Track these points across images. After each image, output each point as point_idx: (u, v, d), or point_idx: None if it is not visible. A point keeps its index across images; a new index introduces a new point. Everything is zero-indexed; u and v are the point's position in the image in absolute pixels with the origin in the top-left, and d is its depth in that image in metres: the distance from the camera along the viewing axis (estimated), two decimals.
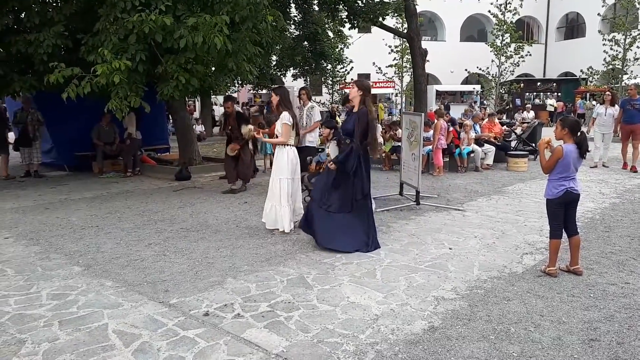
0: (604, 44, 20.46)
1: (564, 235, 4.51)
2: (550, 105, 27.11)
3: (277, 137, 5.96)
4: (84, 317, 3.72)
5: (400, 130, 11.67)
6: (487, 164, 11.08)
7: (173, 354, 3.17)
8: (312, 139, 8.48)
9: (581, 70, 24.20)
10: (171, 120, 13.48)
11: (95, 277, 4.57)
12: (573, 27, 35.52)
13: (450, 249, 5.33)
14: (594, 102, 23.27)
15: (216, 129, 21.67)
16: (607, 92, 11.99)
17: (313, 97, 19.33)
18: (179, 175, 9.96)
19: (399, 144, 11.12)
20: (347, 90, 25.41)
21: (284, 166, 5.87)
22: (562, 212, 4.45)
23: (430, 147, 10.77)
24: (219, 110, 23.74)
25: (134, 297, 4.08)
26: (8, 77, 8.81)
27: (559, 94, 29.51)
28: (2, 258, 5.16)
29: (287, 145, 5.90)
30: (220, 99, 24.16)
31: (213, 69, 9.11)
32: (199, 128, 19.33)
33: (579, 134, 4.38)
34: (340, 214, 5.32)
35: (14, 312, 3.82)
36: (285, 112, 5.85)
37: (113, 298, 4.07)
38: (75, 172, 11.05)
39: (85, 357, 3.13)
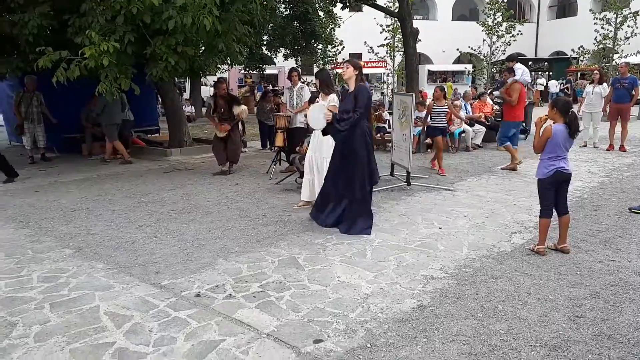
0: (595, 23, 20.40)
1: (554, 214, 4.56)
2: (540, 84, 27.11)
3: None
4: (75, 299, 3.74)
5: (384, 112, 11.73)
6: (475, 144, 11.12)
7: (165, 335, 3.19)
8: (303, 120, 8.47)
9: (572, 50, 24.13)
10: (160, 102, 13.36)
11: (86, 259, 4.57)
12: (565, 5, 35.39)
13: (440, 228, 5.37)
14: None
15: (205, 110, 21.49)
16: (595, 71, 11.95)
17: (304, 77, 19.24)
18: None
19: (384, 125, 11.19)
20: (338, 71, 25.27)
21: (331, 146, 5.80)
22: (552, 191, 4.49)
23: (421, 128, 10.79)
24: (205, 92, 23.39)
25: (125, 279, 4.09)
26: None
27: (551, 73, 29.51)
28: None
29: None
30: (209, 79, 23.88)
31: (202, 49, 9.00)
32: (188, 109, 19.15)
33: (569, 113, 4.40)
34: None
35: (4, 295, 3.82)
36: (333, 94, 5.88)
37: (104, 280, 4.08)
38: (64, 155, 10.95)
39: (76, 339, 3.15)
